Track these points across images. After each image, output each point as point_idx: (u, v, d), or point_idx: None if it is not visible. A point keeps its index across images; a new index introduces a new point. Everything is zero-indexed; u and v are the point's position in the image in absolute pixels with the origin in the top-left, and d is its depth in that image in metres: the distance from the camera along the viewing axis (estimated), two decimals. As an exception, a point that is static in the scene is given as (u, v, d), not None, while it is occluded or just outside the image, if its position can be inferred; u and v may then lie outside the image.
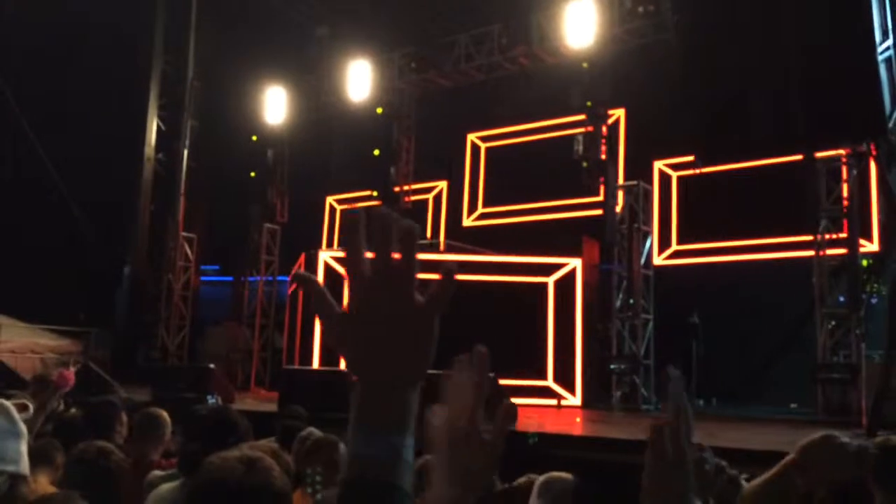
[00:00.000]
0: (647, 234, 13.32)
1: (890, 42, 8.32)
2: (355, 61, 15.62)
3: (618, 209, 12.90)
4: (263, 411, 8.60)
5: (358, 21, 15.71)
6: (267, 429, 4.71)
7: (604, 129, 13.10)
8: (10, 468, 1.98)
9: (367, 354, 0.82)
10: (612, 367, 12.47)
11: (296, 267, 14.71)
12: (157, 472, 3.37)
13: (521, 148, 16.30)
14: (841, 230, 10.72)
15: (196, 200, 17.08)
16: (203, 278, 17.97)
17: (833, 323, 10.51)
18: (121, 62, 16.48)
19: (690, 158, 12.05)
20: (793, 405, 11.97)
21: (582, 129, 13.16)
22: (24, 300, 13.85)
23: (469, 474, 0.95)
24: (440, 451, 0.96)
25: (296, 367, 12.57)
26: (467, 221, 16.95)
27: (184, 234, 16.70)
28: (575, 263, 12.79)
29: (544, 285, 12.65)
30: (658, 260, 13.61)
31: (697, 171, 12.07)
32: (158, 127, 17.19)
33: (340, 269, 12.94)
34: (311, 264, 13.20)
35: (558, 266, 12.78)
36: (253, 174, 16.88)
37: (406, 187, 16.49)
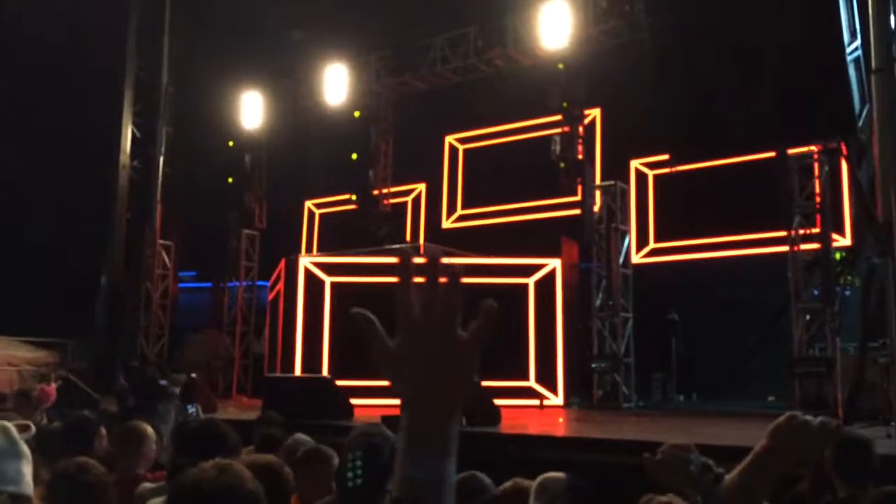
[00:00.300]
0: (625, 233, 13.45)
1: (858, 43, 8.48)
2: (331, 65, 15.61)
3: (595, 209, 13.01)
4: (248, 420, 8.57)
5: (333, 25, 15.68)
6: (247, 438, 4.70)
7: (580, 129, 13.21)
8: (11, 488, 1.99)
9: (415, 387, 0.91)
10: (592, 366, 12.57)
11: (276, 272, 14.67)
12: (148, 485, 3.38)
13: (498, 149, 16.39)
14: (814, 225, 10.89)
15: (173, 207, 16.96)
16: (181, 285, 17.86)
17: (808, 317, 10.68)
18: (94, 69, 16.31)
19: (666, 157, 12.18)
20: (770, 398, 12.17)
21: (559, 130, 13.26)
22: (-1, 312, 13.68)
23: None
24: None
25: (278, 374, 12.53)
26: (446, 223, 17.00)
27: (161, 241, 16.58)
28: (554, 264, 12.88)
29: (524, 286, 12.73)
30: (636, 258, 13.75)
31: (673, 169, 12.21)
32: (133, 133, 17.05)
33: (321, 275, 12.94)
34: (292, 270, 13.17)
35: (538, 267, 12.87)
36: (230, 180, 16.80)
37: (385, 190, 16.51)
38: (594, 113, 14.66)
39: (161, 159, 16.75)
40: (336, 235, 17.43)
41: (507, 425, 8.86)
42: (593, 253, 13.05)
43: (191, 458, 2.86)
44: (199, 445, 3.00)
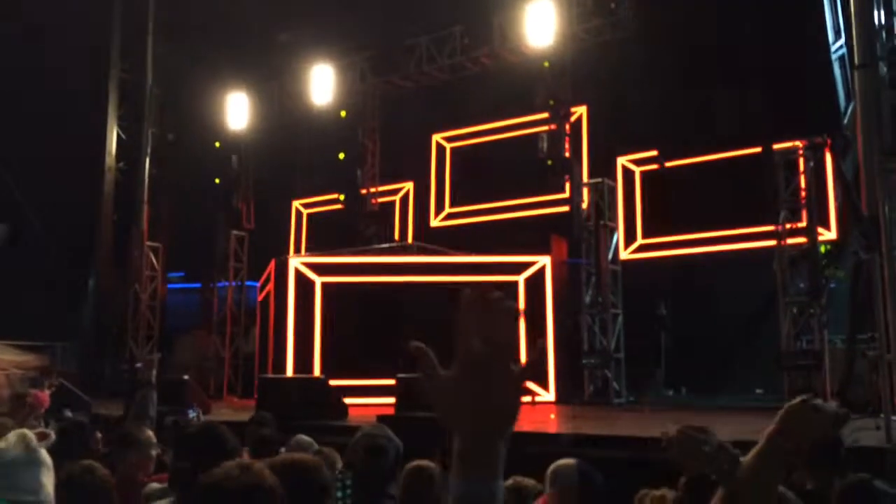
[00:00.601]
0: (613, 229, 13.53)
1: (842, 41, 8.59)
2: (317, 65, 15.59)
3: (584, 206, 13.09)
4: (241, 421, 8.58)
5: (319, 25, 15.66)
6: (240, 439, 4.70)
7: (567, 127, 13.27)
8: (29, 498, 1.99)
9: (469, 414, 0.97)
10: (584, 362, 12.64)
11: (266, 273, 14.65)
12: (155, 485, 3.40)
13: (486, 147, 16.41)
14: (800, 220, 11.02)
15: (160, 209, 16.89)
16: (169, 286, 17.78)
17: (795, 310, 10.81)
18: (78, 71, 16.20)
19: (652, 153, 12.28)
20: (758, 391, 12.29)
21: (545, 128, 13.31)
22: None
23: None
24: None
25: (271, 375, 12.52)
26: (435, 222, 17.02)
27: (149, 243, 16.50)
28: (544, 261, 12.95)
29: (515, 284, 12.79)
30: (624, 254, 13.84)
31: (660, 165, 12.29)
32: (119, 136, 16.96)
33: (311, 275, 12.94)
34: (282, 270, 13.16)
35: (528, 265, 12.94)
36: (217, 181, 16.74)
37: (373, 189, 16.52)
38: (580, 111, 14.72)
39: (147, 161, 16.66)
40: (324, 235, 17.42)
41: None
42: (582, 250, 13.12)
43: (191, 461, 2.89)
44: (199, 449, 3.02)
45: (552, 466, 3.69)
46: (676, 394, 13.38)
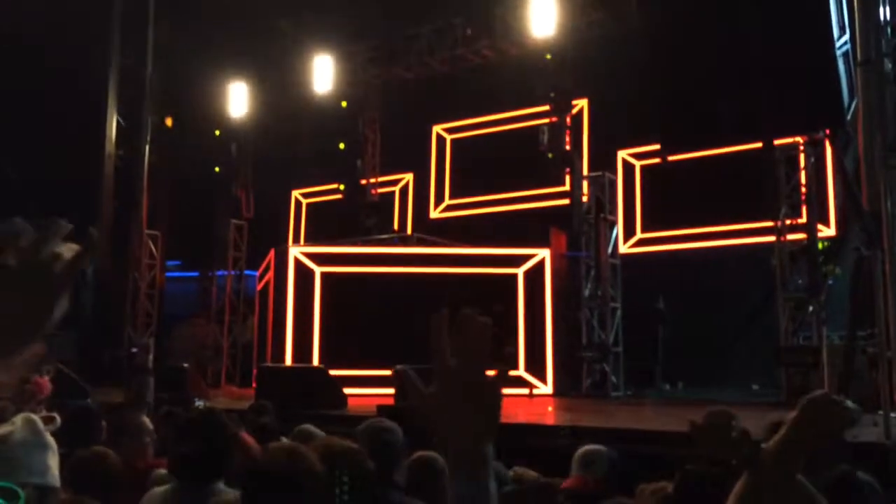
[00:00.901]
0: (613, 223, 13.55)
1: (847, 37, 8.58)
2: (319, 55, 15.54)
3: (584, 199, 13.09)
4: (240, 409, 8.59)
5: (320, 14, 15.60)
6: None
7: (567, 119, 13.26)
8: (37, 480, 2.00)
9: (454, 425, 1.07)
10: (582, 355, 12.68)
11: (265, 262, 14.65)
12: (162, 472, 3.41)
13: (486, 139, 16.40)
14: (800, 216, 11.04)
15: (159, 197, 16.85)
16: (167, 274, 17.76)
17: (794, 306, 10.83)
18: (78, 58, 16.13)
19: (653, 148, 12.27)
20: (755, 386, 12.33)
21: (546, 120, 13.30)
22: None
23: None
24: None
25: (270, 364, 12.54)
26: (434, 213, 17.02)
27: (148, 231, 16.48)
28: (543, 254, 12.96)
29: (514, 276, 12.80)
30: (624, 248, 13.85)
31: (662, 159, 12.30)
32: (118, 123, 16.89)
33: (311, 265, 12.94)
34: (282, 260, 13.16)
35: (527, 257, 12.94)
36: (217, 169, 16.71)
37: (372, 180, 16.52)
38: (581, 103, 14.71)
39: (147, 148, 16.61)
40: (324, 225, 17.41)
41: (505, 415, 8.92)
42: (582, 243, 13.14)
43: (192, 446, 2.91)
44: (200, 435, 3.03)
45: (580, 450, 3.85)
46: (673, 388, 13.42)
